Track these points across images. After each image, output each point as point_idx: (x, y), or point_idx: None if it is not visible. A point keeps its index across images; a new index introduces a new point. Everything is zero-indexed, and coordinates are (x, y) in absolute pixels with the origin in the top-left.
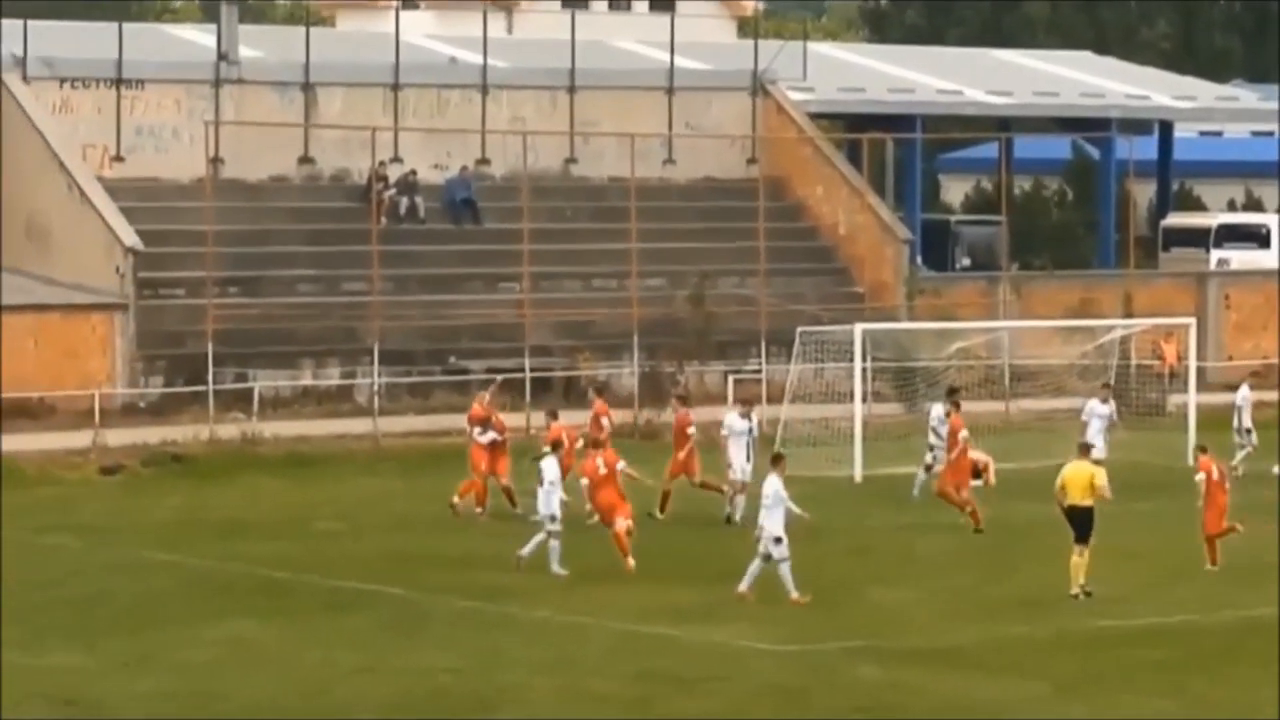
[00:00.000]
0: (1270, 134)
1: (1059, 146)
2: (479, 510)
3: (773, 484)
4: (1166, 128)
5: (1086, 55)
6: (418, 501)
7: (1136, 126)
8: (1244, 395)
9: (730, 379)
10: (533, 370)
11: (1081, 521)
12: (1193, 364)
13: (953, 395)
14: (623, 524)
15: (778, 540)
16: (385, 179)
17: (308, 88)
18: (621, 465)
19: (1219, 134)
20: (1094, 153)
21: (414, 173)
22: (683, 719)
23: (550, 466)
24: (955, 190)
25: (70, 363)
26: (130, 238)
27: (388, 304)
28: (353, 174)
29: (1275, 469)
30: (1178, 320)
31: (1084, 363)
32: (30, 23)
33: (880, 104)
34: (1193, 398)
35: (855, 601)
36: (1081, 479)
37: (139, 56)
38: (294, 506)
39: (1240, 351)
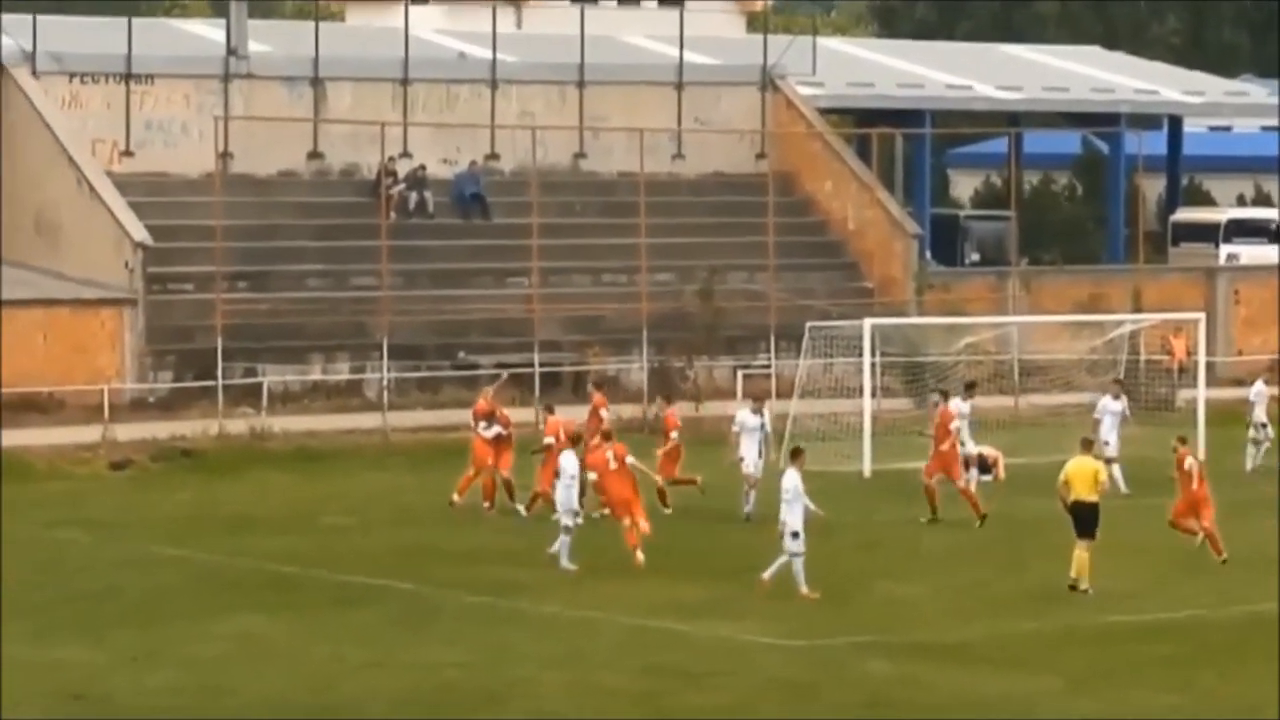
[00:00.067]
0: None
1: (1068, 142)
2: (487, 505)
3: (792, 478)
4: (1176, 123)
5: (1096, 50)
6: (427, 496)
7: (1146, 121)
8: (1259, 391)
9: (739, 374)
10: (542, 365)
11: (1088, 517)
12: (1202, 359)
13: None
14: (644, 525)
15: (795, 535)
16: (394, 174)
17: (317, 83)
18: (631, 459)
19: (1228, 129)
20: (1103, 148)
21: (423, 168)
22: (691, 714)
23: (570, 461)
24: (964, 185)
25: (80, 358)
26: (139, 233)
27: (397, 299)
28: (362, 169)
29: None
30: (1187, 315)
31: (1093, 358)
32: (39, 17)
33: (889, 99)
34: (1202, 393)
35: (865, 596)
36: (1086, 474)
37: (148, 51)
38: (303, 501)
39: (1249, 346)
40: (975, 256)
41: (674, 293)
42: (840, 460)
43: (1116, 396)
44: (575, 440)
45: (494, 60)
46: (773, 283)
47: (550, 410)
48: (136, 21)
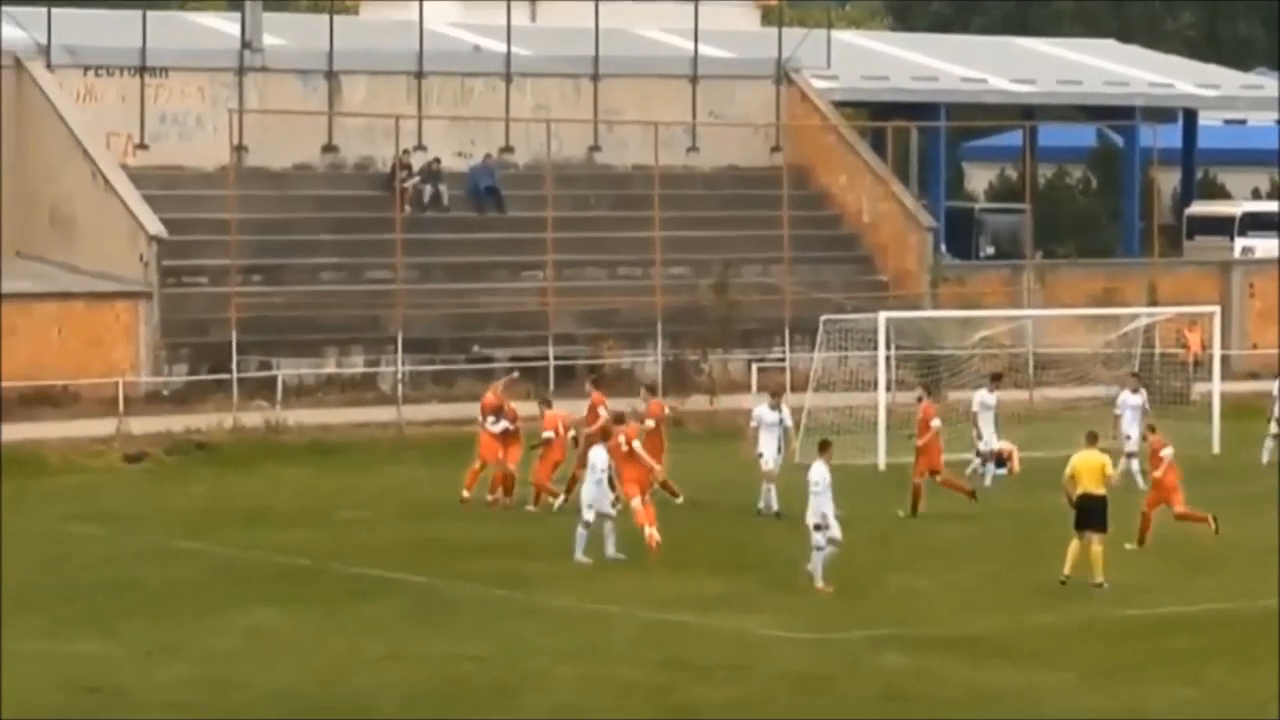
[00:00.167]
0: None
1: (1083, 135)
2: (500, 497)
3: (820, 471)
4: (1191, 116)
5: (1110, 43)
6: (441, 490)
7: (1161, 115)
8: None
9: (754, 367)
10: (556, 358)
11: (1097, 510)
12: (1217, 352)
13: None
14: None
15: (818, 527)
16: (409, 167)
17: (332, 76)
18: (636, 444)
19: (1243, 122)
20: (1118, 141)
21: (438, 161)
22: (706, 707)
23: (600, 457)
24: (979, 178)
25: (94, 351)
26: (154, 226)
27: (411, 292)
28: (376, 162)
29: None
30: (1202, 309)
31: (1108, 351)
32: (54, 10)
33: (904, 92)
34: (1217, 386)
35: (880, 589)
36: (1094, 467)
37: (163, 44)
38: (317, 495)
39: (1264, 340)
40: (990, 250)
41: (689, 286)
42: (855, 454)
43: (1135, 390)
44: (605, 435)
45: (509, 53)
46: (787, 276)
47: (548, 404)
48: (151, 14)
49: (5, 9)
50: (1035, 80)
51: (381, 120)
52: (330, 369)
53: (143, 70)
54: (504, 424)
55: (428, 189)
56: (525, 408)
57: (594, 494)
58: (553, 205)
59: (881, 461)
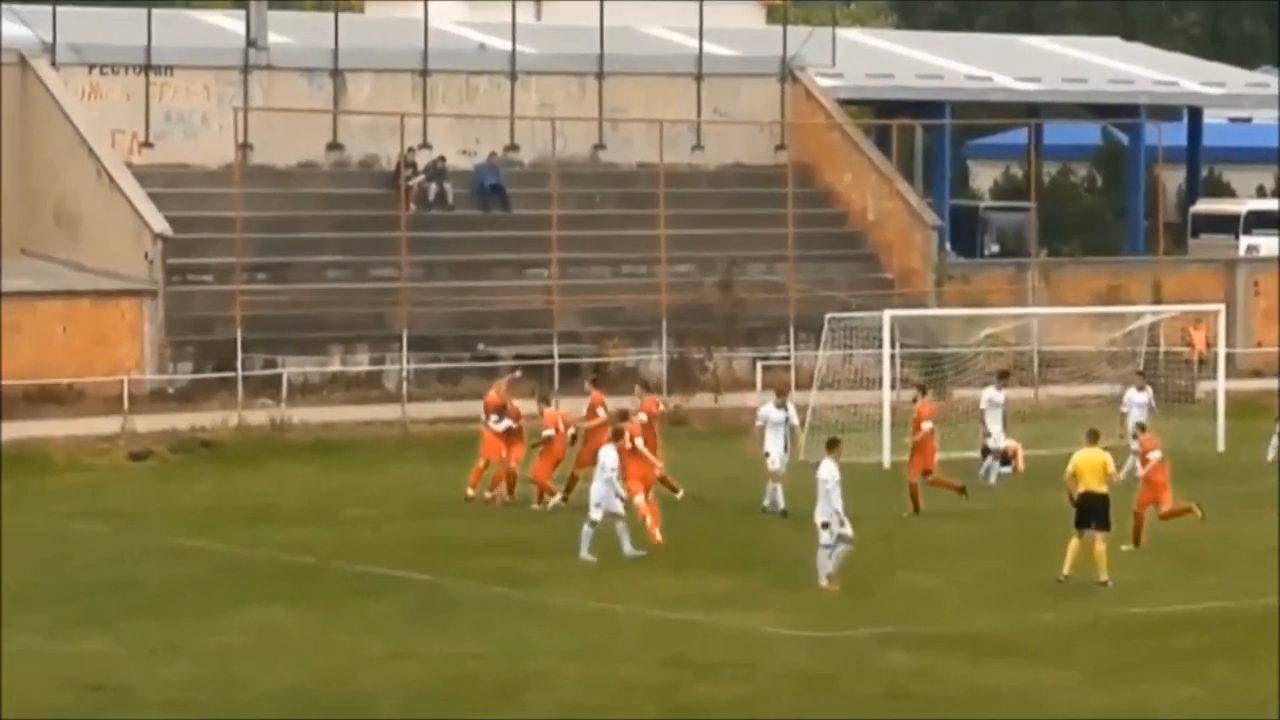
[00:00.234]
0: None
1: (1088, 133)
2: (506, 495)
3: (828, 469)
4: (1196, 114)
5: (1115, 41)
6: (446, 488)
7: (1165, 113)
8: None
9: (759, 365)
10: (561, 356)
11: (1099, 508)
12: (1221, 350)
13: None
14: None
15: (824, 525)
16: (414, 165)
17: (337, 74)
18: (639, 442)
19: (1248, 120)
20: (1123, 139)
21: (443, 159)
22: (711, 705)
23: (610, 456)
24: (984, 176)
25: (99, 349)
26: (159, 224)
27: (416, 290)
28: (381, 160)
29: None
30: (1207, 307)
31: (1113, 349)
32: (59, 8)
33: (909, 90)
34: (1221, 384)
35: (884, 587)
36: (1096, 465)
37: (168, 42)
38: (322, 492)
39: (1269, 338)
40: (995, 248)
41: (693, 284)
42: (860, 452)
43: (1141, 388)
44: (618, 435)
45: (514, 51)
46: (792, 274)
47: (547, 402)
48: (156, 12)
49: (10, 7)
50: (1040, 78)
51: (386, 118)
52: (335, 367)
53: (148, 68)
54: (507, 422)
55: (433, 187)
56: (529, 406)
57: (603, 493)
58: (558, 203)
59: (886, 460)
